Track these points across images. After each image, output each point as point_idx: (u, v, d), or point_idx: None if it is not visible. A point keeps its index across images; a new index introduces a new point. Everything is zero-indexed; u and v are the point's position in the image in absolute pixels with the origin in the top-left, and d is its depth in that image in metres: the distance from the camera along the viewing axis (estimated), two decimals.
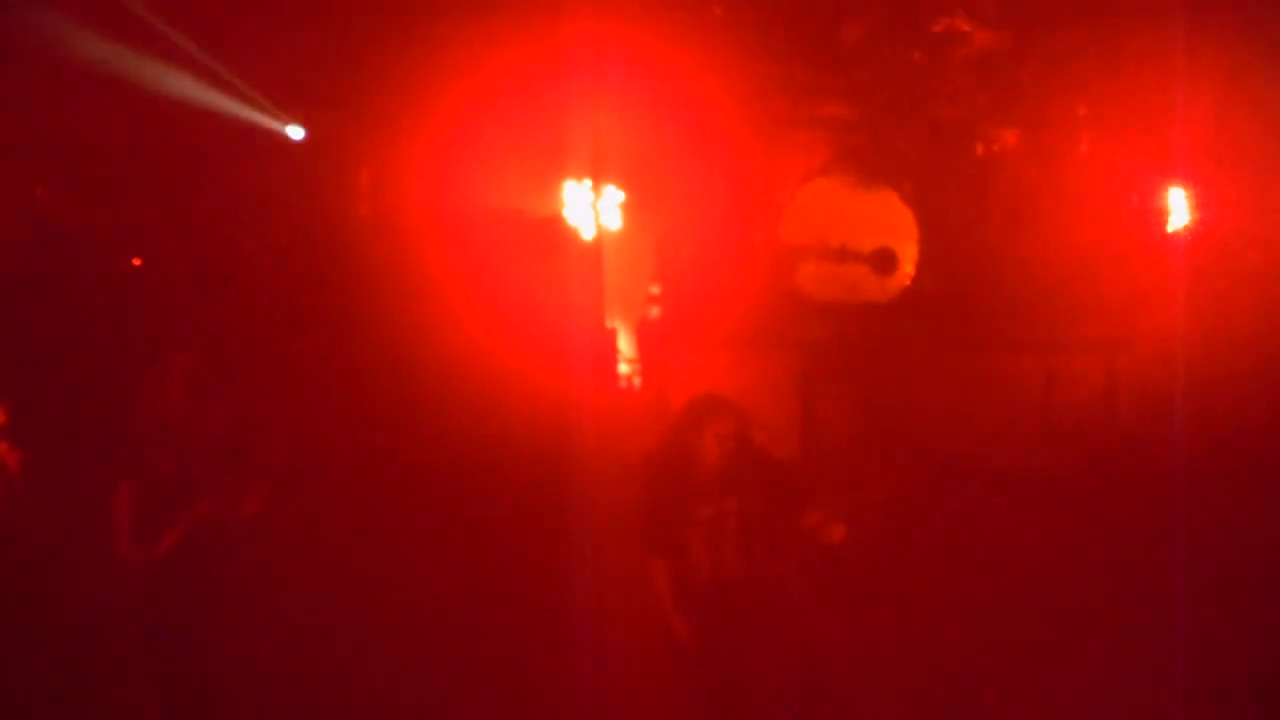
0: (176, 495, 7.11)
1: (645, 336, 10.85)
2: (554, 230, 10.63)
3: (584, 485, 8.97)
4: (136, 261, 10.81)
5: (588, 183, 10.78)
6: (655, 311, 10.92)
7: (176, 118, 11.24)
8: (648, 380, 10.74)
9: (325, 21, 11.44)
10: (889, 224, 10.65)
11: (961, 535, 9.42)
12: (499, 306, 9.92)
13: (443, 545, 8.77)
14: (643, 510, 7.71)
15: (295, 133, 11.59)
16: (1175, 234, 11.03)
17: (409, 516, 8.95)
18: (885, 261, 10.61)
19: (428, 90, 11.30)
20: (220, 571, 7.15)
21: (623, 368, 10.89)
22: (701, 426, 7.63)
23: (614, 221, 11.09)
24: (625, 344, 10.96)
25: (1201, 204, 11.05)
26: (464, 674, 7.96)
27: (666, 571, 7.58)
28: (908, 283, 10.66)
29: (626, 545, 8.15)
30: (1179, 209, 11.08)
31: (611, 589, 8.38)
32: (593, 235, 10.73)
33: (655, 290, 10.99)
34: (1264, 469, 9.16)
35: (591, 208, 10.75)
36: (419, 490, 9.16)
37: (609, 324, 10.77)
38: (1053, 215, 11.11)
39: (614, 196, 11.08)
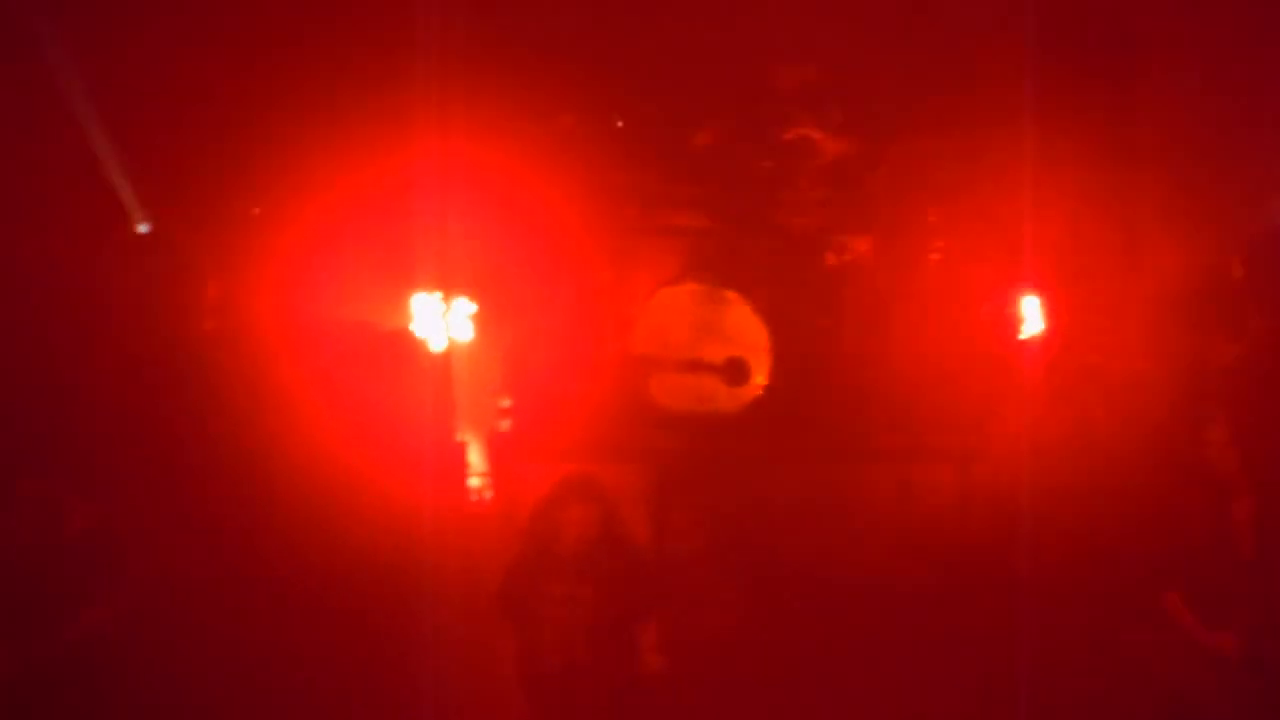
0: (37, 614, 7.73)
1: (496, 449, 11.16)
2: (403, 342, 10.87)
3: (434, 599, 9.42)
4: None
5: (437, 294, 11.10)
6: (506, 424, 11.24)
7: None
8: (499, 493, 11.06)
9: (169, 118, 11.75)
10: (741, 334, 11.13)
11: (812, 648, 9.99)
12: (346, 420, 10.14)
13: (292, 656, 9.28)
14: (502, 581, 8.57)
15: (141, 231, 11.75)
16: (1027, 342, 11.56)
17: (259, 628, 9.36)
18: (737, 371, 11.09)
19: (276, 199, 11.73)
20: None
21: (473, 481, 11.19)
22: (565, 507, 8.52)
23: (464, 333, 11.42)
24: (476, 457, 11.24)
25: (1053, 312, 11.60)
26: None
27: (516, 645, 8.39)
28: (760, 393, 11.09)
29: (476, 661, 8.99)
30: (1031, 317, 11.63)
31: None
32: (442, 347, 11.03)
33: (506, 403, 11.32)
34: (1116, 578, 9.63)
35: (441, 319, 11.07)
36: (268, 606, 9.56)
37: (459, 437, 11.04)
38: (905, 324, 11.66)
39: (464, 308, 11.45)
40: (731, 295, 11.25)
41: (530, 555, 8.95)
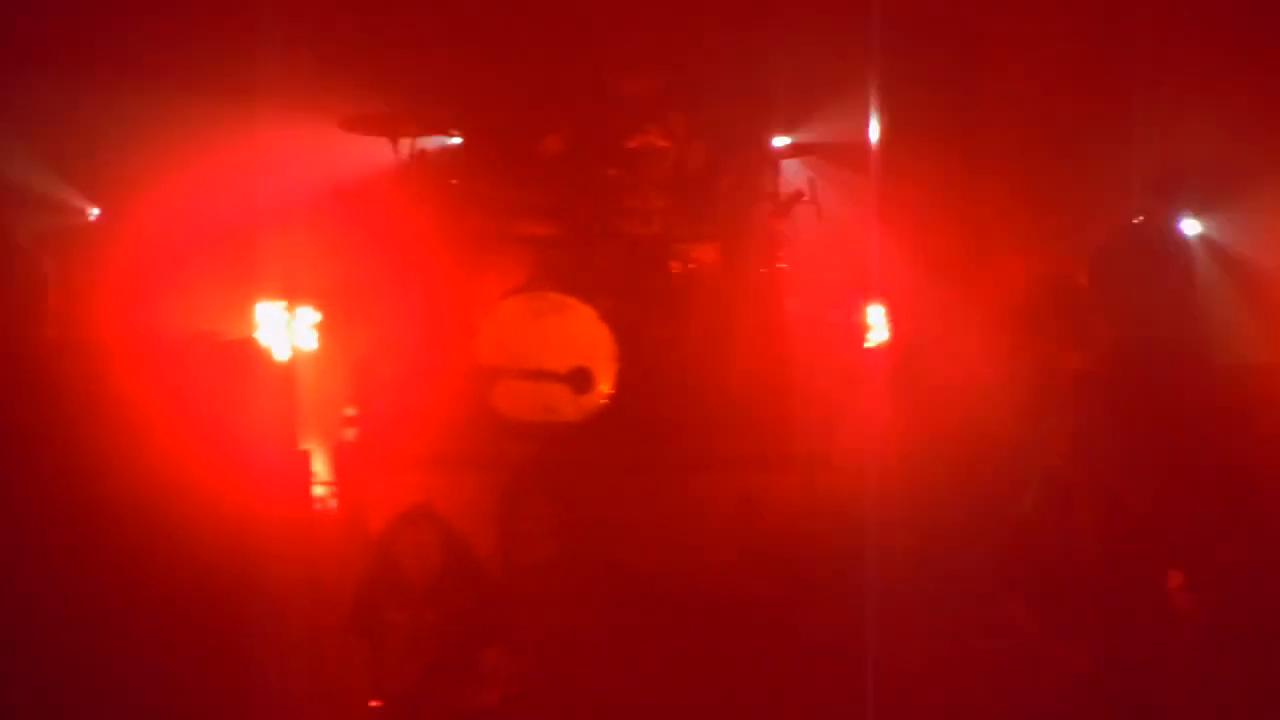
0: None
1: (340, 459, 11.19)
2: (246, 351, 10.85)
3: (279, 609, 9.50)
4: None
5: (281, 303, 11.23)
6: (350, 433, 11.27)
7: None
8: (344, 502, 11.09)
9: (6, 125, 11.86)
10: (586, 343, 11.29)
11: (659, 655, 10.02)
12: (189, 430, 10.10)
13: (133, 670, 9.32)
14: (348, 607, 8.69)
15: None
16: (872, 350, 11.89)
17: (98, 640, 9.41)
18: (582, 380, 11.26)
19: (118, 206, 11.93)
20: None
21: (318, 490, 11.18)
22: (404, 535, 8.63)
23: (309, 342, 11.52)
24: (321, 466, 11.25)
25: (898, 320, 11.94)
26: None
27: (364, 668, 8.53)
28: (605, 401, 11.27)
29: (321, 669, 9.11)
30: (876, 325, 11.94)
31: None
32: (286, 356, 11.14)
33: (351, 411, 11.36)
34: (961, 587, 9.80)
35: (285, 328, 11.21)
36: (108, 618, 9.60)
37: (303, 446, 11.01)
38: (750, 332, 11.92)
39: (308, 317, 11.56)
40: (577, 304, 11.40)
41: (373, 583, 9.04)
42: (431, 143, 12.05)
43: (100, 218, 11.96)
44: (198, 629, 9.60)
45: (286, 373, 11.08)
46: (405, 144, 11.79)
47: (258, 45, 11.00)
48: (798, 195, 12.26)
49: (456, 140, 12.33)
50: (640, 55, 12.20)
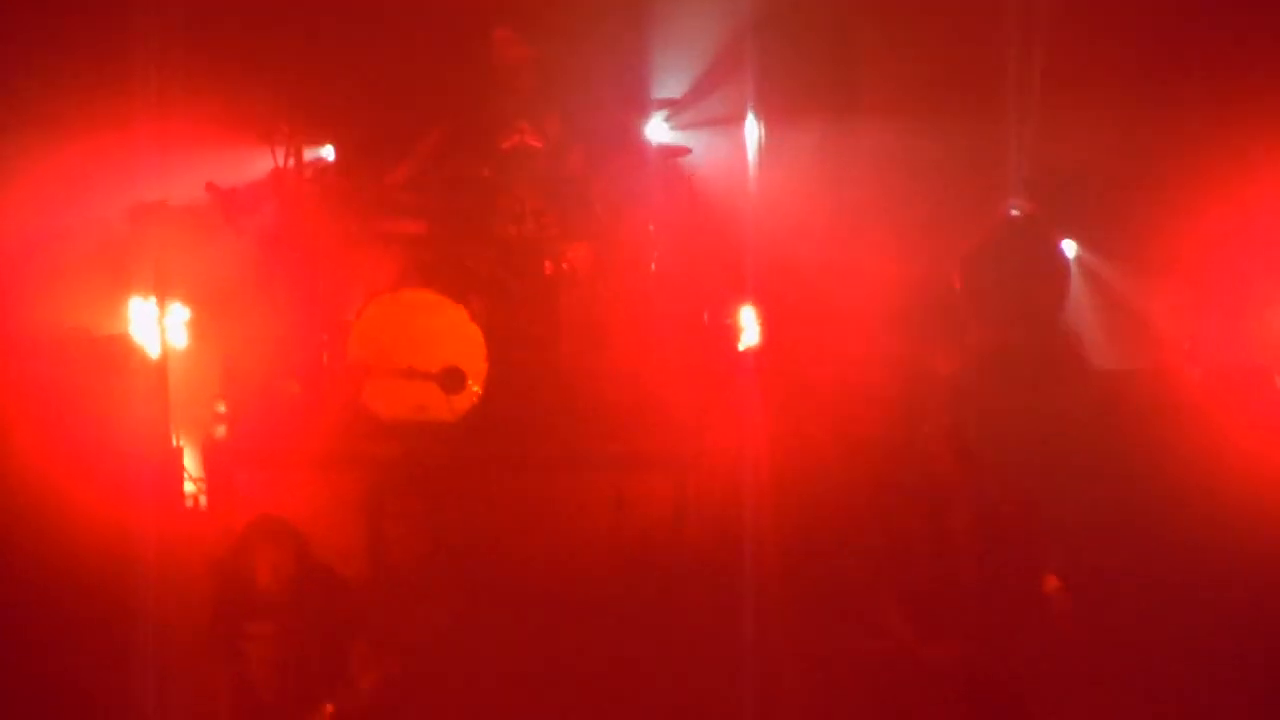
0: None
1: (212, 456, 11.38)
2: (118, 348, 11.19)
3: (147, 607, 9.86)
4: None
5: (152, 300, 11.42)
6: (221, 430, 11.48)
7: None
8: (214, 500, 11.30)
9: None
10: (457, 342, 11.52)
11: (529, 655, 10.41)
12: (58, 427, 10.57)
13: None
14: (205, 623, 8.93)
15: None
16: (746, 352, 12.20)
17: None
18: (454, 380, 11.49)
19: None
20: None
21: (189, 487, 11.46)
22: (256, 549, 8.82)
23: (180, 339, 11.73)
24: (191, 463, 11.50)
25: (772, 322, 12.26)
26: None
27: (225, 682, 8.83)
28: (476, 401, 11.48)
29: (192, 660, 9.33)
30: (750, 325, 12.26)
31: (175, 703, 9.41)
32: (158, 353, 11.34)
33: (221, 408, 11.57)
34: (833, 590, 10.18)
35: (156, 325, 11.38)
36: None
37: (174, 443, 11.34)
38: (622, 333, 12.17)
39: (180, 313, 11.77)
40: (449, 303, 11.61)
41: (229, 600, 9.21)
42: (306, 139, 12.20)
43: None
44: (68, 630, 10.01)
45: (158, 369, 11.36)
46: (280, 139, 11.93)
47: (134, 42, 11.30)
48: (671, 195, 12.61)
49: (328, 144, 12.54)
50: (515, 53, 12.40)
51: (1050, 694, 9.31)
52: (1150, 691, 9.70)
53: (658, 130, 13.32)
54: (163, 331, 11.44)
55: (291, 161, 11.96)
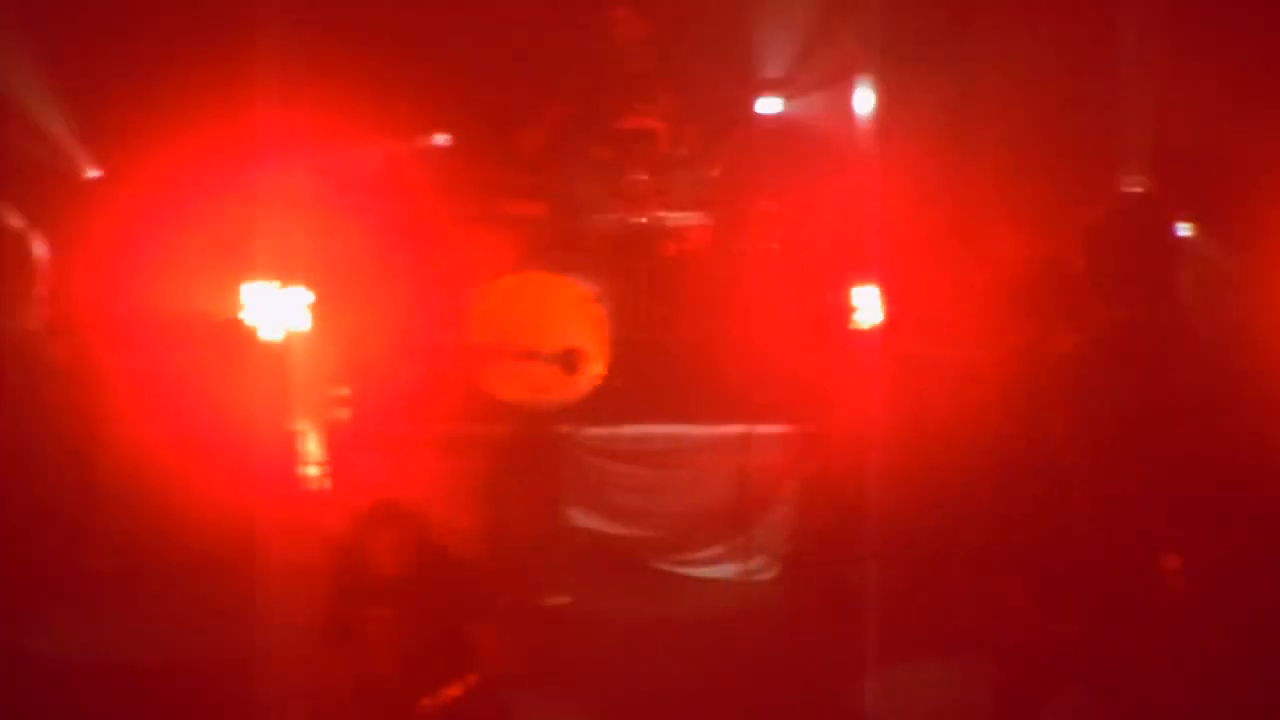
0: None
1: (333, 439, 11.48)
2: (237, 332, 11.29)
3: (270, 591, 9.93)
4: None
5: (273, 283, 11.47)
6: (343, 414, 11.60)
7: None
8: (335, 483, 11.39)
9: None
10: (578, 323, 11.63)
11: (649, 635, 10.57)
12: (181, 412, 10.75)
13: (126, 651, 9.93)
14: (324, 606, 9.02)
15: None
16: (866, 332, 12.10)
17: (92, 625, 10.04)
18: (574, 361, 11.59)
19: (106, 186, 12.33)
20: None
21: (311, 470, 11.48)
22: (377, 533, 8.85)
23: (301, 322, 11.75)
24: (313, 446, 11.55)
25: (892, 302, 12.14)
26: None
27: (345, 665, 8.89)
28: (598, 382, 11.61)
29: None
30: (870, 307, 12.14)
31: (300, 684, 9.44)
32: (278, 337, 11.41)
33: (343, 392, 11.69)
34: (957, 568, 10.32)
35: (277, 309, 11.45)
36: (103, 594, 10.27)
37: (297, 427, 11.37)
38: (743, 313, 12.20)
39: (300, 297, 11.77)
40: (569, 284, 11.75)
41: (348, 583, 9.26)
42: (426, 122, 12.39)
43: (94, 197, 12.27)
44: (193, 615, 10.29)
45: (279, 353, 11.45)
46: (400, 121, 12.22)
47: (254, 27, 11.29)
48: (790, 177, 12.67)
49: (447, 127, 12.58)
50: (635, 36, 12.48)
51: (1166, 675, 9.25)
52: (1268, 673, 9.44)
53: (775, 108, 13.27)
54: (284, 315, 11.52)
55: (412, 144, 12.12)
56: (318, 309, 11.97)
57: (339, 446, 11.56)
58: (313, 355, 11.90)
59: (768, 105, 13.24)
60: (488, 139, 12.67)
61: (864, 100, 12.48)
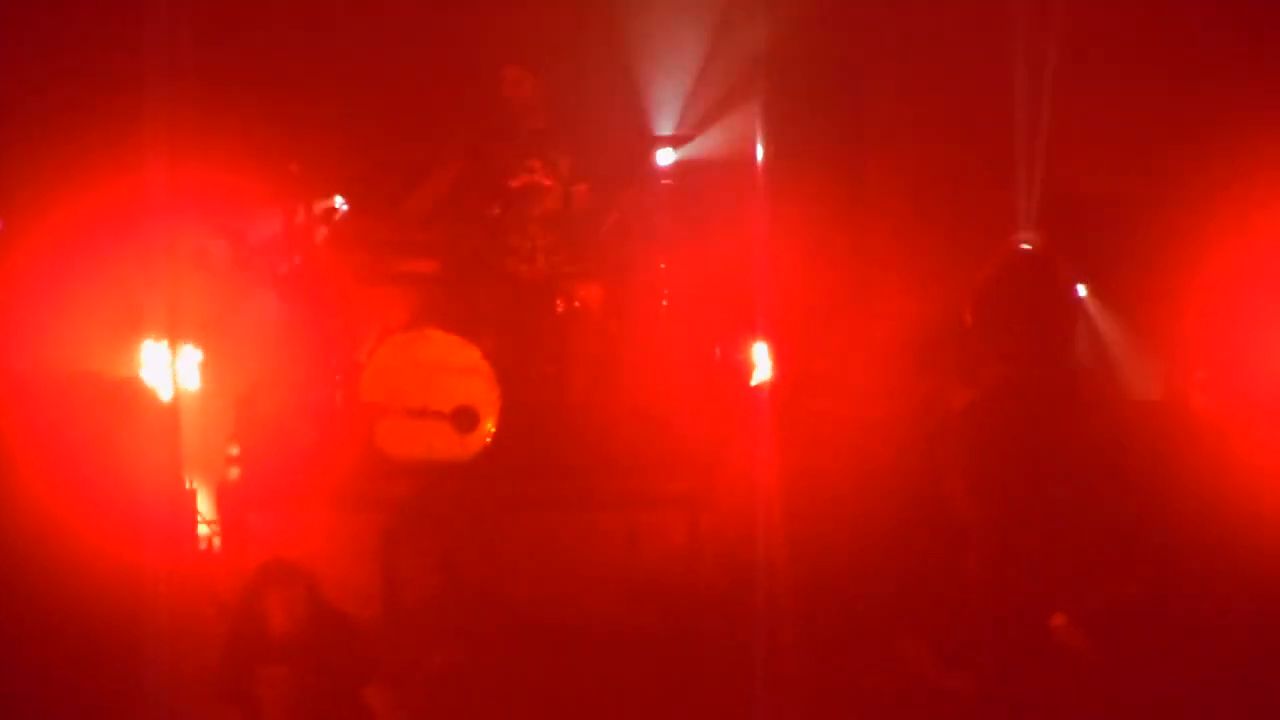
0: None
1: (225, 497, 11.54)
2: (130, 391, 11.28)
3: (159, 650, 9.99)
4: None
5: (165, 342, 11.57)
6: (235, 472, 11.61)
7: None
8: (227, 541, 11.48)
9: None
10: (469, 381, 11.70)
11: (543, 696, 10.57)
12: (71, 470, 10.66)
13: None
14: (216, 667, 9.12)
15: None
16: (758, 388, 12.32)
17: None
18: (466, 419, 11.66)
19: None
20: None
21: (202, 529, 11.60)
22: (268, 593, 8.96)
23: (192, 381, 11.91)
24: (205, 505, 11.66)
25: (784, 358, 12.38)
26: None
27: None
28: (489, 440, 11.66)
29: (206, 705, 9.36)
30: (762, 362, 12.36)
31: None
32: (170, 395, 11.47)
33: (235, 450, 11.71)
34: (850, 622, 10.35)
35: (169, 367, 11.54)
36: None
37: (188, 485, 11.49)
38: (634, 370, 12.34)
39: (192, 355, 11.94)
40: (461, 342, 11.80)
41: (240, 643, 9.34)
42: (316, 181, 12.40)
43: None
44: (80, 672, 10.16)
45: (171, 411, 11.48)
46: (290, 182, 12.24)
47: (145, 90, 11.41)
48: (682, 234, 12.81)
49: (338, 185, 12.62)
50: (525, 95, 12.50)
51: None
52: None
53: (668, 164, 13.39)
54: (175, 374, 11.63)
55: (302, 203, 12.16)
56: (209, 367, 12.14)
57: (230, 505, 11.58)
58: (204, 414, 12.06)
59: (660, 162, 13.36)
60: (378, 197, 12.74)
61: (757, 157, 12.82)
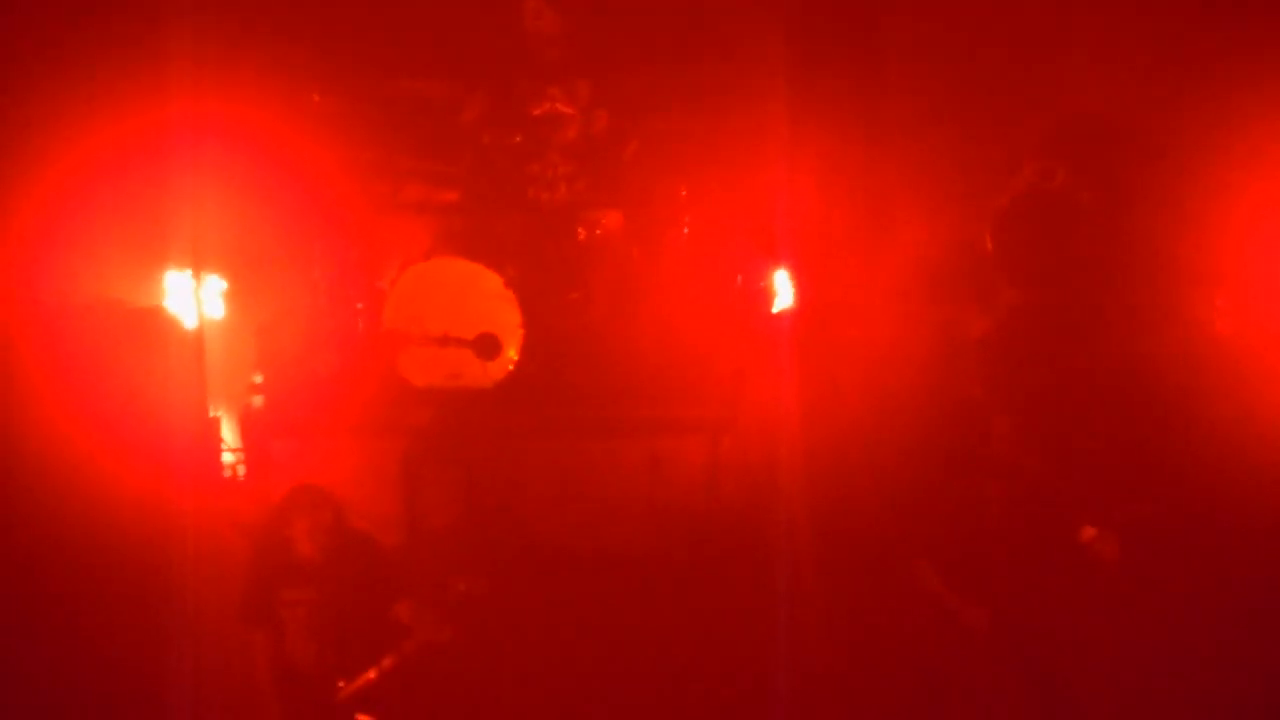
0: None
1: (249, 425, 11.69)
2: (154, 320, 11.35)
3: (190, 576, 10.16)
4: None
5: (188, 271, 11.60)
6: (258, 400, 11.77)
7: None
8: (252, 469, 11.60)
9: None
10: (492, 309, 11.82)
11: (564, 622, 10.72)
12: (96, 399, 10.75)
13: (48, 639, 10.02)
14: (242, 591, 9.29)
15: None
16: (779, 315, 12.36)
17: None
18: (488, 346, 11.79)
19: (16, 174, 12.18)
20: None
21: (227, 457, 11.71)
22: (295, 518, 9.12)
23: (216, 310, 11.98)
24: (229, 433, 11.77)
25: (804, 285, 12.40)
26: None
27: (264, 650, 9.20)
28: (511, 367, 11.78)
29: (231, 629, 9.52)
30: (781, 289, 12.42)
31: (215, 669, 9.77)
32: (194, 324, 11.54)
33: (258, 379, 11.88)
34: (868, 550, 10.40)
35: (192, 297, 11.58)
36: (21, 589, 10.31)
37: (212, 414, 11.57)
38: (656, 298, 12.45)
39: (216, 285, 12.02)
40: (482, 270, 11.90)
41: (266, 568, 9.50)
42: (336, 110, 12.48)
43: (6, 185, 12.09)
44: (106, 602, 10.28)
45: (194, 340, 11.56)
46: (309, 112, 12.30)
47: (164, 14, 11.45)
48: (703, 161, 12.80)
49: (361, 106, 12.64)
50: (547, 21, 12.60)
51: (1084, 652, 9.59)
52: (1184, 646, 9.87)
53: (687, 93, 13.30)
54: (199, 303, 11.66)
55: (325, 133, 12.26)
56: (232, 296, 12.22)
57: (255, 433, 11.72)
58: (228, 342, 12.15)
59: (680, 91, 13.27)
60: (401, 127, 12.76)
61: (776, 87, 12.60)
